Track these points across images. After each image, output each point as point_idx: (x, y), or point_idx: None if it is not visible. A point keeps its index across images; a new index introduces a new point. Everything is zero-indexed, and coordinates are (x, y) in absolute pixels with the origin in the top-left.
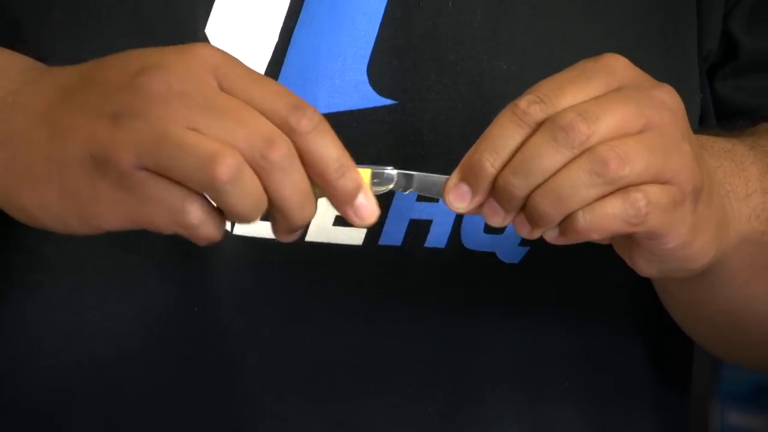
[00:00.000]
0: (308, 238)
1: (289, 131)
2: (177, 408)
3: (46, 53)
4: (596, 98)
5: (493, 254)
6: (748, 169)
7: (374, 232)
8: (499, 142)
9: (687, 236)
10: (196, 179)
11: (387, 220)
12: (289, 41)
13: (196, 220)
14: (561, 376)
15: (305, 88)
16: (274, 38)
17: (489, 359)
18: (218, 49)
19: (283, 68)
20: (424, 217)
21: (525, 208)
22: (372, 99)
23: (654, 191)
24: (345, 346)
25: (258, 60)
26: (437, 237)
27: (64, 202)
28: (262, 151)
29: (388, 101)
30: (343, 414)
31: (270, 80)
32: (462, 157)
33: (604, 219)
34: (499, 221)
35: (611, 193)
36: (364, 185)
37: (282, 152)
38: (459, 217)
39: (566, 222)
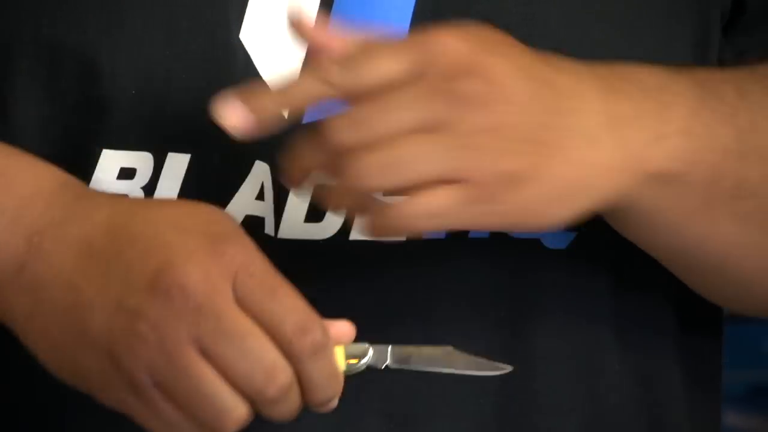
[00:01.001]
0: (351, 236)
1: (290, 353)
2: None
3: (84, 63)
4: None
5: (537, 241)
6: (672, 108)
7: None
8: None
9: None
10: (204, 425)
11: None
12: None
13: None
14: (611, 361)
15: None
16: None
17: (540, 348)
18: (244, 247)
19: None
20: None
21: None
22: None
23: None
24: (398, 342)
25: (294, 59)
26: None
27: (75, 374)
28: (261, 387)
29: None
30: (397, 408)
31: (284, 290)
32: None
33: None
34: None
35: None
36: (334, 402)
37: (279, 387)
38: None
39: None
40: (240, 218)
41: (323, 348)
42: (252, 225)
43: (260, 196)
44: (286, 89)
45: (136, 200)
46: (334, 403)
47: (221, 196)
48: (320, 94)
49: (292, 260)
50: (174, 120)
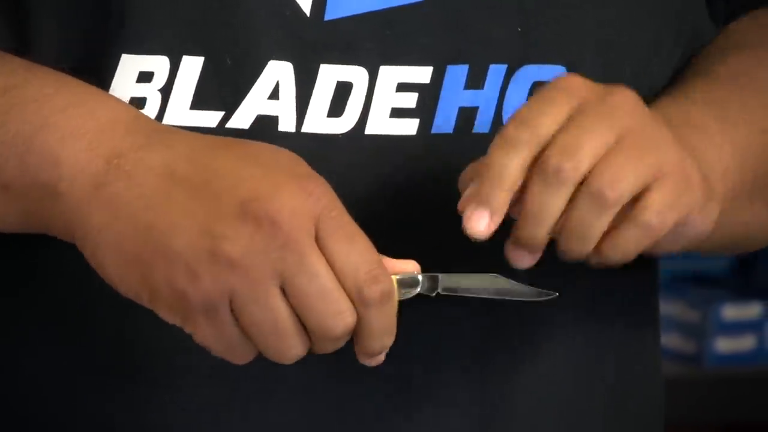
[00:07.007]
0: (366, 131)
1: (359, 298)
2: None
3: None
4: (568, 128)
5: None
6: (724, 147)
7: (427, 121)
8: (499, 171)
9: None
10: (267, 354)
11: (438, 110)
12: None
13: (240, 363)
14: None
15: None
16: None
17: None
18: (328, 190)
19: None
20: (472, 104)
21: (558, 250)
22: None
23: (657, 198)
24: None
25: None
26: (483, 123)
27: (142, 285)
28: (331, 326)
29: None
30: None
31: (361, 237)
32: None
33: (629, 248)
34: (529, 262)
35: (625, 217)
36: (382, 356)
37: (346, 328)
38: (500, 102)
39: (598, 257)
40: (251, 118)
41: (390, 298)
42: (263, 124)
43: (274, 96)
44: (496, 175)
45: (215, 136)
46: (382, 357)
47: (234, 97)
48: (523, 161)
49: (313, 154)
50: (187, 24)
